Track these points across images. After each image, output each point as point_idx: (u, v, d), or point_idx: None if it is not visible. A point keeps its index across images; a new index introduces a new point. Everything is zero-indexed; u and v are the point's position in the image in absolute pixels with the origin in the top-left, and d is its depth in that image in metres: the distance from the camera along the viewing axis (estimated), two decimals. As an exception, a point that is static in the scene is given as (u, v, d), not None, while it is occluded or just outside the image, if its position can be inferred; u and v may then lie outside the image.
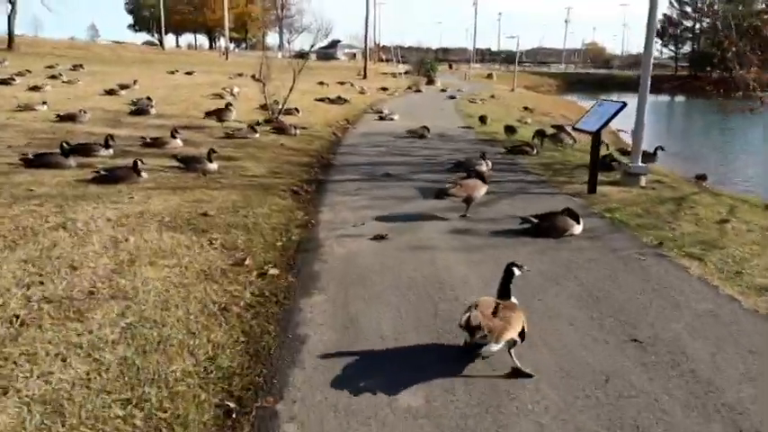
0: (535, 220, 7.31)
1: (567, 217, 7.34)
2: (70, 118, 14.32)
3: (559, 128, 20.60)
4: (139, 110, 16.38)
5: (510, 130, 17.02)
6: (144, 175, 8.86)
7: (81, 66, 32.47)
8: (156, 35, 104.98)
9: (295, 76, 17.32)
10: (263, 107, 19.37)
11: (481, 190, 8.01)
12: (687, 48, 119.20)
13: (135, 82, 23.82)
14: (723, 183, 17.25)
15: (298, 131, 15.17)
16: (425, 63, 62.28)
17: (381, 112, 22.83)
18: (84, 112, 14.54)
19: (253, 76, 26.63)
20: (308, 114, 20.56)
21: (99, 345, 4.05)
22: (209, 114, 14.93)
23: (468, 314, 3.89)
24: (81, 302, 4.66)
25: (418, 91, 41.15)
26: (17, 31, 56.95)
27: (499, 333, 3.79)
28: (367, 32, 61.32)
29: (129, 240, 6.18)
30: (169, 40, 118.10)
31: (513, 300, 4.22)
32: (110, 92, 20.69)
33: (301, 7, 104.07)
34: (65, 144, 9.88)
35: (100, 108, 17.11)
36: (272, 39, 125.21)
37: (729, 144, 33.00)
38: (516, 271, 4.31)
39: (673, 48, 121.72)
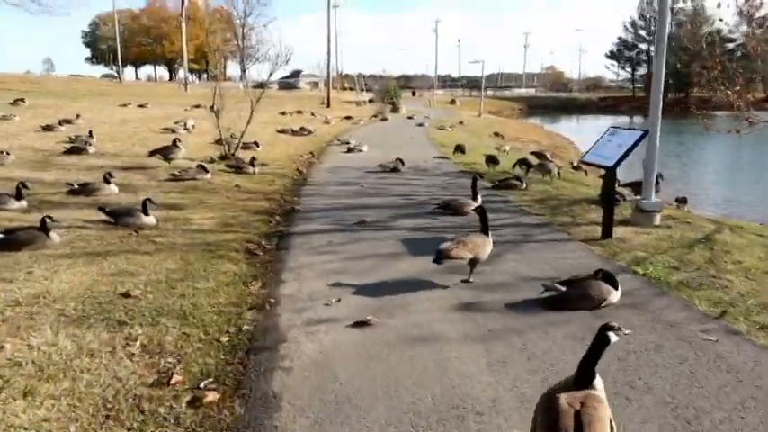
0: (562, 288, 5.62)
1: (601, 282, 5.68)
2: (-12, 160, 12.31)
3: (541, 156, 19.24)
4: (75, 148, 14.39)
5: (492, 160, 15.49)
6: (55, 236, 6.94)
7: (22, 100, 30.14)
8: (113, 68, 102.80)
9: (252, 106, 15.57)
10: (219, 142, 17.53)
11: (487, 248, 6.32)
12: (643, 71, 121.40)
13: (78, 116, 21.75)
14: (697, 205, 16.24)
15: (256, 169, 13.36)
16: (389, 91, 61.14)
17: (349, 143, 21.21)
18: (7, 153, 12.51)
19: (211, 108, 24.80)
20: (270, 148, 18.78)
21: None
22: (153, 153, 13.05)
23: None
24: None
25: (384, 119, 39.74)
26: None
27: None
28: (329, 61, 60.04)
29: (5, 348, 4.29)
30: (129, 72, 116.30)
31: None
32: (47, 128, 18.59)
33: (262, 37, 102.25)
34: (-40, 198, 7.92)
35: (30, 147, 15.06)
36: (234, 70, 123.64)
37: (688, 164, 32.49)
38: (613, 336, 3.05)
39: (629, 70, 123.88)
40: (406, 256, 7.24)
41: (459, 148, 18.97)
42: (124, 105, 34.14)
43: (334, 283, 6.15)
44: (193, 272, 6.25)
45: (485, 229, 6.44)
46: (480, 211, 6.51)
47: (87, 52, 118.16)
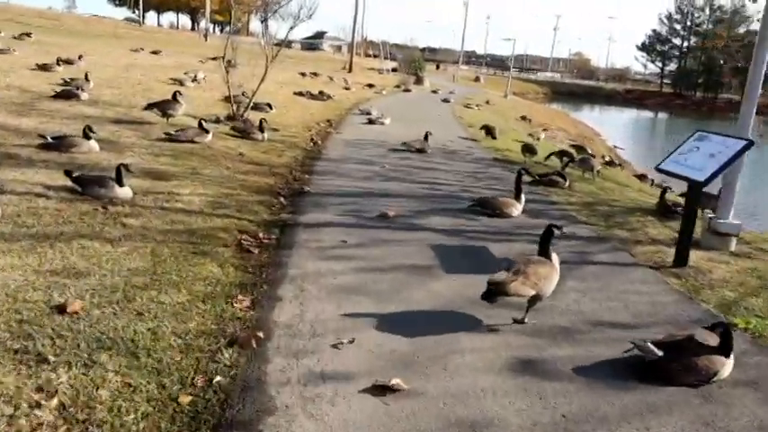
0: (658, 352, 4.09)
1: (711, 352, 4.14)
2: (-37, 99, 10.79)
3: (581, 149, 17.55)
4: (66, 93, 12.82)
5: (528, 150, 13.82)
6: (-4, 207, 5.44)
7: (28, 34, 28.47)
8: (136, 11, 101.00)
9: (268, 63, 13.91)
10: (228, 99, 15.92)
11: (554, 280, 4.77)
12: (673, 66, 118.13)
13: (80, 57, 20.11)
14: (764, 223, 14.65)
15: (266, 135, 11.78)
16: (414, 61, 58.95)
17: (370, 114, 19.52)
18: (-16, 93, 10.98)
19: (228, 62, 23.08)
20: (284, 111, 17.15)
21: None
22: (150, 107, 11.45)
23: None
24: None
25: (407, 90, 37.89)
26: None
27: None
28: (355, 24, 57.92)
29: None
30: (151, 18, 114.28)
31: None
32: (43, 67, 16.99)
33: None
34: None
35: (17, 87, 13.50)
36: (258, 25, 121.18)
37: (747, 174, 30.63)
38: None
39: (659, 64, 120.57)
40: (438, 272, 5.70)
41: (490, 132, 17.29)
42: (136, 50, 32.38)
43: (347, 309, 4.63)
44: (163, 275, 4.74)
45: (546, 251, 4.89)
46: (548, 232, 4.92)
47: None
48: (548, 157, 13.86)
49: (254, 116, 14.72)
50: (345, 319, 4.44)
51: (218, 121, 13.29)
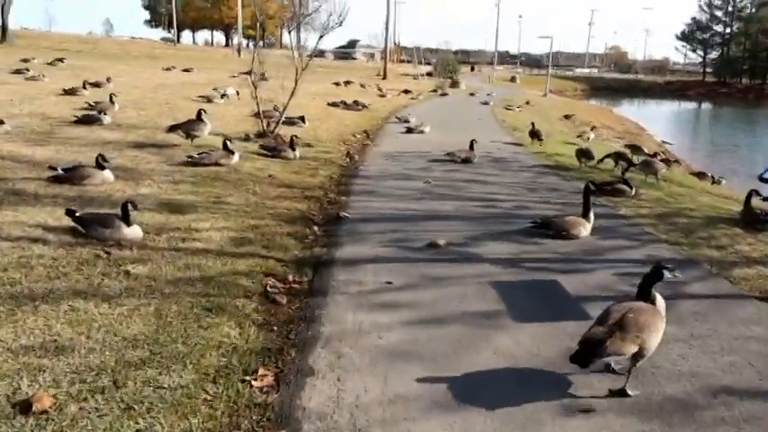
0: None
1: None
2: (-21, 129, 10.18)
3: (637, 149, 16.22)
4: (88, 118, 12.15)
5: (584, 155, 12.61)
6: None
7: (61, 59, 28.42)
8: (171, 31, 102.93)
9: (298, 76, 13.05)
10: (258, 115, 15.15)
11: (660, 330, 3.68)
12: (715, 54, 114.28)
13: (108, 79, 19.67)
14: None
15: (297, 153, 10.88)
16: (448, 64, 57.88)
17: (408, 122, 18.57)
18: (1, 122, 10.34)
19: (261, 75, 22.39)
20: (318, 124, 16.29)
21: None
22: (173, 129, 10.68)
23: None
24: None
25: (444, 95, 36.86)
26: (26, 25, 53.73)
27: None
28: (387, 31, 57.13)
29: None
30: (186, 37, 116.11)
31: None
32: (69, 91, 16.51)
33: (320, 5, 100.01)
34: None
35: (40, 114, 12.93)
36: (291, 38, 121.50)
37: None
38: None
39: (701, 53, 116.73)
40: (505, 321, 4.64)
41: (536, 135, 16.09)
42: (168, 69, 32.20)
43: (396, 384, 3.61)
44: (166, 345, 3.81)
45: (647, 294, 3.80)
46: (655, 275, 3.80)
47: (146, 15, 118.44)
48: (601, 160, 12.65)
49: (287, 131, 13.90)
50: (394, 402, 3.42)
51: (247, 138, 12.49)
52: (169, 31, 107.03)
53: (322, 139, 14.02)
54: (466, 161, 12.01)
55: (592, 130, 20.33)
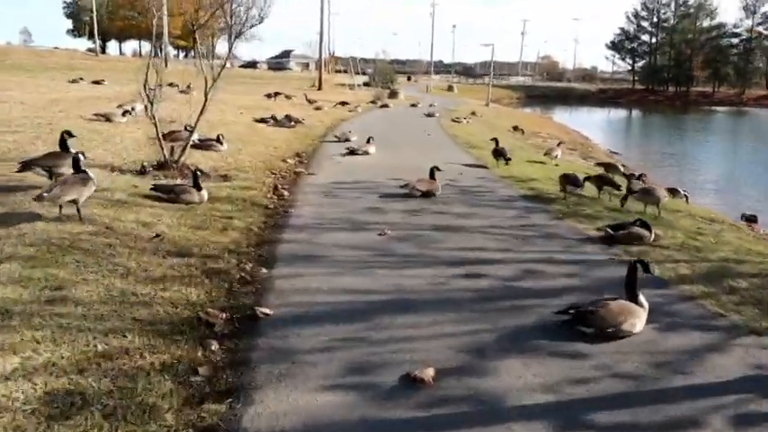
0: None
1: None
2: None
3: (610, 167, 14.08)
4: None
5: (570, 182, 10.15)
6: None
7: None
8: (94, 41, 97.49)
9: (207, 88, 10.14)
10: (162, 139, 12.17)
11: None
12: (643, 62, 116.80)
13: (-16, 95, 16.18)
14: None
15: (205, 194, 7.98)
16: (387, 74, 55.53)
17: (349, 140, 15.90)
18: None
19: (188, 87, 19.29)
20: (240, 147, 13.41)
21: None
22: (26, 166, 7.61)
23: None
24: None
25: (384, 106, 34.34)
26: None
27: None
28: (322, 40, 54.30)
29: None
30: (113, 47, 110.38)
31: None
32: None
33: (251, 14, 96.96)
34: None
35: None
36: (224, 47, 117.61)
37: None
38: None
39: (629, 62, 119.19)
40: None
41: (501, 154, 13.65)
42: (74, 81, 28.47)
43: None
44: None
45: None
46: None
47: (69, 24, 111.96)
48: (583, 181, 10.34)
49: (198, 158, 11.00)
50: None
51: (142, 172, 9.53)
52: (93, 42, 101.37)
53: (244, 167, 11.16)
54: (427, 195, 9.41)
55: (558, 146, 18.11)
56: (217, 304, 4.83)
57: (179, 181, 9.10)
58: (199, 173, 8.14)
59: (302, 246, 6.57)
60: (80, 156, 7.14)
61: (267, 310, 4.69)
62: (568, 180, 10.11)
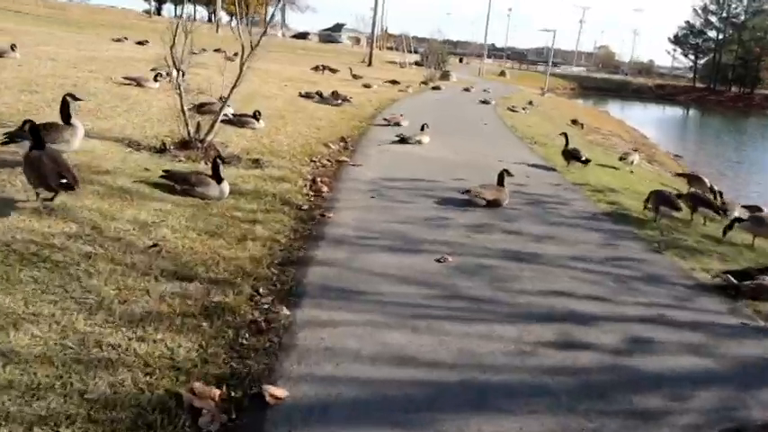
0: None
1: None
2: None
3: (695, 180, 12.25)
4: None
5: (667, 202, 8.35)
6: None
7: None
8: (153, 3, 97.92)
9: (243, 58, 8.68)
10: (198, 107, 10.83)
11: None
12: (705, 59, 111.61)
13: (14, 47, 14.96)
14: None
15: (225, 188, 6.51)
16: (440, 53, 53.37)
17: (399, 125, 14.33)
18: None
19: (234, 54, 17.82)
20: (279, 124, 12.01)
21: None
22: (13, 137, 6.30)
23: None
24: None
25: (436, 88, 32.50)
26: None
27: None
28: (375, 14, 52.50)
29: None
30: (168, 9, 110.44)
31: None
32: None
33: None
34: None
35: None
36: (275, 17, 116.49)
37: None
38: None
39: (692, 58, 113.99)
40: None
41: (573, 155, 11.89)
42: (118, 40, 27.45)
43: None
44: None
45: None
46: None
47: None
48: (646, 201, 8.64)
49: (230, 137, 9.62)
50: None
51: (161, 150, 8.17)
52: (150, 4, 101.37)
53: (280, 150, 9.70)
54: (493, 205, 7.82)
55: (634, 150, 16.16)
56: (211, 371, 3.37)
57: (202, 165, 7.69)
58: (221, 160, 6.66)
59: (339, 271, 5.07)
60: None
61: (279, 392, 3.21)
62: (662, 200, 8.35)
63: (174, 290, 4.20)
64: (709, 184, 12.43)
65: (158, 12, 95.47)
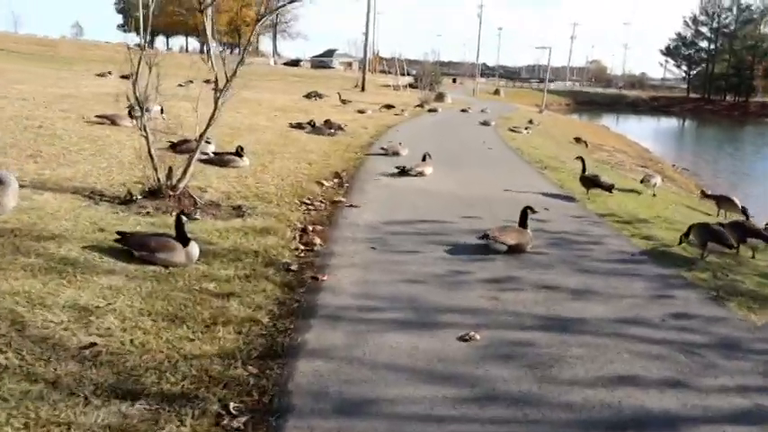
0: None
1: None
2: None
3: (726, 201, 11.15)
4: None
5: (717, 238, 7.15)
6: None
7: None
8: (139, 36, 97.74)
9: (218, 93, 7.58)
10: (175, 146, 9.78)
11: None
12: (698, 70, 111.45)
13: (-20, 87, 13.97)
14: None
15: (195, 250, 5.34)
16: (434, 74, 52.57)
17: (398, 155, 13.25)
18: None
19: (215, 83, 16.74)
20: (267, 161, 10.92)
21: None
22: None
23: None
24: None
25: (433, 110, 31.50)
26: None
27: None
28: (367, 39, 51.88)
29: None
30: (160, 43, 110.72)
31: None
32: None
33: (297, 13, 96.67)
34: None
35: None
36: (268, 45, 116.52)
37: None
38: None
39: (685, 69, 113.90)
40: None
41: (595, 183, 10.75)
42: (101, 75, 26.52)
43: None
44: None
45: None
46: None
47: (120, 19, 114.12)
48: (686, 235, 7.42)
49: (210, 180, 8.50)
50: None
51: (127, 200, 7.03)
52: (139, 36, 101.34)
53: (266, 192, 8.56)
54: (515, 250, 6.65)
55: (657, 174, 15.02)
56: None
57: (173, 218, 6.53)
58: (186, 216, 5.50)
59: (336, 367, 3.88)
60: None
61: None
62: (711, 235, 7.17)
63: (107, 419, 3.02)
64: (740, 206, 11.33)
65: (151, 45, 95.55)
